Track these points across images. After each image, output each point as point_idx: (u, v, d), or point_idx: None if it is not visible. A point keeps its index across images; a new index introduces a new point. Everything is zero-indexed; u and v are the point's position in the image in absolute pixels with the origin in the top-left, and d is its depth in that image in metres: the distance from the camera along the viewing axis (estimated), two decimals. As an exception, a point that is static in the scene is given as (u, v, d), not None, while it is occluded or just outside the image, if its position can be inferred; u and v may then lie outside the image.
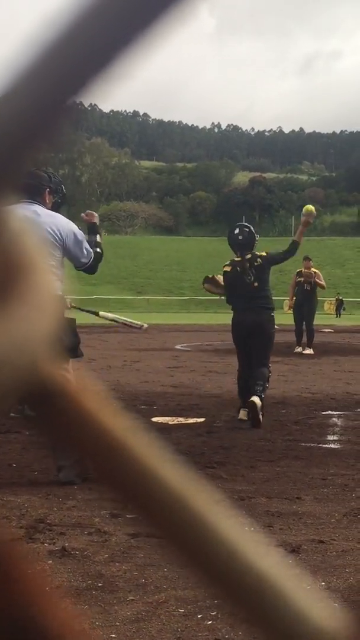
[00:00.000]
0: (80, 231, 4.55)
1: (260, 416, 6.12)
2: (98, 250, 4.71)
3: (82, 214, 4.97)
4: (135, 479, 0.33)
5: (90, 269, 4.63)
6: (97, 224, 4.93)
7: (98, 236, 4.84)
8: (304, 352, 14.36)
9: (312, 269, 14.29)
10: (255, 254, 6.62)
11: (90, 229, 4.86)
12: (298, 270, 14.59)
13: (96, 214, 4.99)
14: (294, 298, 14.34)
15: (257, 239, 6.79)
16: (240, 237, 6.65)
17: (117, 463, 0.33)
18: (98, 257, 4.68)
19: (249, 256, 6.57)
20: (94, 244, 4.71)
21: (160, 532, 0.33)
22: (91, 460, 0.33)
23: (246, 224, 6.97)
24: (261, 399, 6.20)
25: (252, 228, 6.78)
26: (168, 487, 0.33)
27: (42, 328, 0.32)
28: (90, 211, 4.97)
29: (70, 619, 0.32)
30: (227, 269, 6.69)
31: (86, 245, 4.52)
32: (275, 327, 6.74)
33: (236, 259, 6.65)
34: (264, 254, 6.68)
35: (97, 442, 0.33)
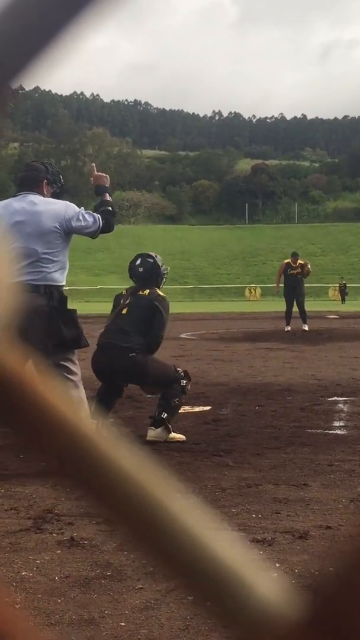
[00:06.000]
0: (75, 207, 4.52)
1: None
2: (109, 208, 4.62)
3: (91, 178, 4.75)
4: (92, 465, 0.32)
5: (105, 229, 4.56)
6: (107, 185, 4.75)
7: (107, 195, 4.69)
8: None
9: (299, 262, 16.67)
10: (156, 294, 5.27)
11: (98, 191, 4.73)
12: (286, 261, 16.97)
13: (105, 176, 4.76)
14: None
15: (163, 272, 5.44)
16: (140, 269, 5.40)
17: (74, 451, 0.32)
18: (108, 216, 4.58)
19: (146, 292, 5.27)
20: (100, 204, 4.63)
21: (117, 518, 0.33)
22: (47, 448, 0.33)
23: (150, 253, 5.55)
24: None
25: (156, 258, 5.44)
26: (126, 473, 0.33)
27: None
28: (99, 174, 4.75)
29: (15, 616, 0.32)
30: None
31: (87, 215, 4.48)
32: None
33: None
34: (161, 297, 5.26)
35: (53, 430, 0.32)
